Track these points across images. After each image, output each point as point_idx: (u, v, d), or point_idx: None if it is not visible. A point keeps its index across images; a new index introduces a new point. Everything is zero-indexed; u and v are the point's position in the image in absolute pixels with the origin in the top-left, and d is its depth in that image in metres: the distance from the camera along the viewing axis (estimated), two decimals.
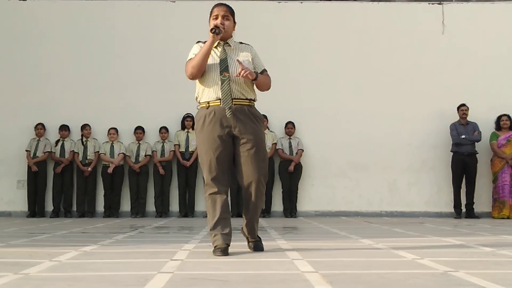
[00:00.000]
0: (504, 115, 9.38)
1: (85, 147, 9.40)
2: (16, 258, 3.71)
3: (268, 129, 9.43)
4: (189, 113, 9.39)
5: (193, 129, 9.39)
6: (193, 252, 3.98)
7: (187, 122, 9.40)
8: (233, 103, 3.85)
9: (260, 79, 3.96)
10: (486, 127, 9.40)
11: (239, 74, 3.80)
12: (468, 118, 9.39)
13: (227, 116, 3.83)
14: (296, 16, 10.01)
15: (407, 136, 9.78)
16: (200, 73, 3.90)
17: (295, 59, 9.77)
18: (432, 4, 10.12)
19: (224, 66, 3.89)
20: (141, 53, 9.90)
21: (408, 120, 9.79)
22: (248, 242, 4.10)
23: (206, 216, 9.21)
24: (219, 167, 3.84)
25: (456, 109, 9.43)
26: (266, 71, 4.10)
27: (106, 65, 9.84)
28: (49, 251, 4.02)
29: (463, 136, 9.23)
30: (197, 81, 3.99)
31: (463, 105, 9.39)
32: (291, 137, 9.54)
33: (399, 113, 9.78)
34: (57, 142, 9.48)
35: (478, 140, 9.30)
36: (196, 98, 4.03)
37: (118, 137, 9.57)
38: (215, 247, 3.81)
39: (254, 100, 3.99)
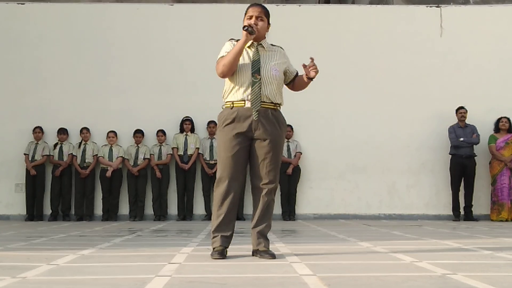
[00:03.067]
0: (504, 117, 9.38)
1: (84, 151, 9.40)
2: (14, 261, 3.70)
3: None
4: (188, 117, 9.39)
5: (192, 132, 9.40)
6: (191, 256, 3.98)
7: (186, 125, 9.39)
8: (261, 106, 3.82)
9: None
10: (484, 130, 9.40)
11: (311, 67, 4.02)
12: (467, 121, 9.40)
13: (254, 118, 3.80)
14: (294, 19, 10.01)
15: (406, 138, 9.78)
16: (231, 71, 3.85)
17: (293, 62, 9.72)
18: (430, 7, 10.13)
19: (256, 68, 3.87)
20: (139, 56, 9.89)
21: (406, 122, 9.79)
22: (258, 253, 3.82)
23: (204, 219, 9.25)
24: (234, 166, 3.81)
25: (454, 111, 9.44)
26: (297, 72, 4.18)
27: (104, 69, 9.84)
28: (47, 255, 4.01)
29: (461, 139, 9.23)
30: (227, 79, 3.94)
31: (462, 107, 9.40)
32: (289, 140, 9.53)
33: (398, 115, 9.78)
34: (55, 145, 9.46)
35: (477, 143, 9.30)
36: (223, 96, 3.98)
37: (117, 140, 9.55)
38: (213, 249, 3.84)
39: (280, 105, 3.98)
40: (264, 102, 3.84)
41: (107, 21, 10.02)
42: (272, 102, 3.88)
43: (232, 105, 3.86)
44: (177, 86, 9.67)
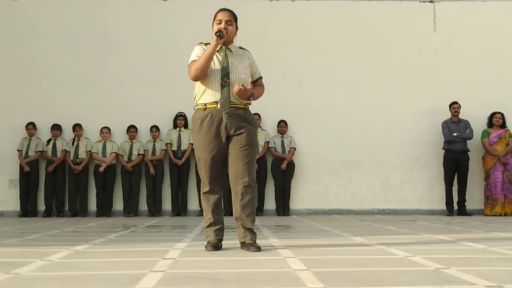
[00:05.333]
0: (498, 113, 9.40)
1: (77, 147, 9.38)
2: (8, 257, 3.69)
3: (261, 128, 9.43)
4: (182, 112, 9.37)
5: (185, 127, 9.39)
6: (185, 251, 3.98)
7: (179, 121, 9.38)
8: (230, 106, 3.95)
9: (255, 96, 4.08)
10: (478, 125, 9.44)
11: (235, 92, 3.91)
12: (460, 116, 9.42)
13: (224, 119, 3.93)
14: (288, 15, 9.99)
15: (400, 133, 9.80)
16: (203, 75, 3.99)
17: (287, 57, 9.77)
18: (424, 2, 10.14)
19: (225, 72, 3.99)
20: (134, 52, 9.87)
21: (400, 117, 9.81)
22: (244, 246, 3.93)
23: (198, 215, 9.28)
24: (214, 167, 3.99)
25: (448, 106, 9.46)
26: (262, 78, 4.25)
27: (98, 64, 9.80)
28: (40, 251, 4.00)
29: (455, 134, 9.26)
30: (198, 82, 4.07)
31: (455, 102, 9.42)
32: (284, 135, 9.54)
33: (391, 110, 9.80)
34: (48, 141, 9.44)
35: (470, 138, 9.33)
36: (194, 98, 4.11)
37: (111, 136, 9.54)
38: (207, 242, 3.98)
39: (249, 104, 4.11)
40: (233, 102, 3.96)
41: (101, 16, 9.98)
42: (242, 102, 4.02)
43: (205, 107, 3.99)
44: (170, 82, 9.64)
